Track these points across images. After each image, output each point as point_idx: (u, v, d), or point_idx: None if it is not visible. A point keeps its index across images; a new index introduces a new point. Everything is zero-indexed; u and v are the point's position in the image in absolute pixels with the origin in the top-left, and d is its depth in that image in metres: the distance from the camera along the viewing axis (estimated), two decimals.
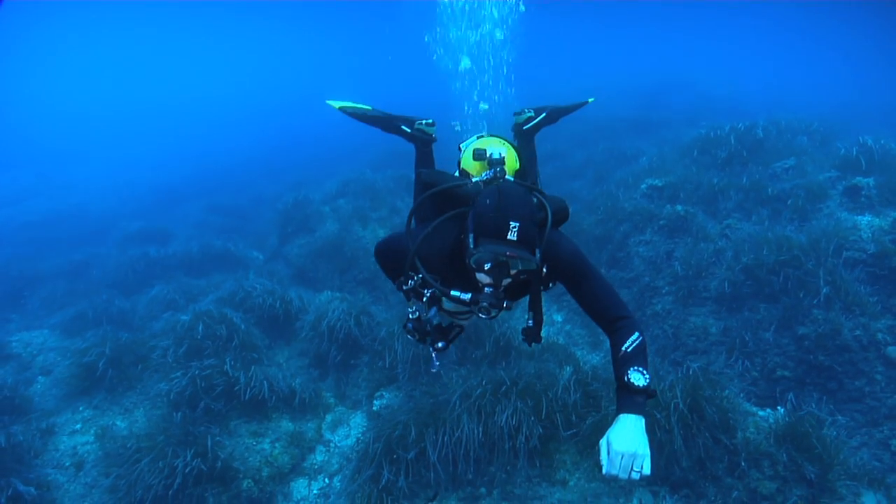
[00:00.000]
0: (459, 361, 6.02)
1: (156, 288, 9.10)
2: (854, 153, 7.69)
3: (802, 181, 7.51)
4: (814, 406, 4.55)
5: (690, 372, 4.81)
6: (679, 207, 7.56)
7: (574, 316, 7.56)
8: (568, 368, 5.05)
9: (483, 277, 2.10)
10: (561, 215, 2.42)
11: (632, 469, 1.80)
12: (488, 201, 2.06)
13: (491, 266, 2.03)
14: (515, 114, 3.38)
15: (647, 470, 1.81)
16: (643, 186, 8.66)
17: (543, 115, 3.41)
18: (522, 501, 4.45)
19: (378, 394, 6.21)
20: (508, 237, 1.96)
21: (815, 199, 7.18)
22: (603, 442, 1.90)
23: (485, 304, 2.08)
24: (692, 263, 6.73)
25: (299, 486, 5.47)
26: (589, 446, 4.58)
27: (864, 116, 11.93)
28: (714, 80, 20.56)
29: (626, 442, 1.83)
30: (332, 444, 5.94)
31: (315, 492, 5.40)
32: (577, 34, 37.36)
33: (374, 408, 6.06)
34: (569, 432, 4.55)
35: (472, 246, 2.03)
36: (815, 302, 5.55)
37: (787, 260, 5.94)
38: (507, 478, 4.57)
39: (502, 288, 2.11)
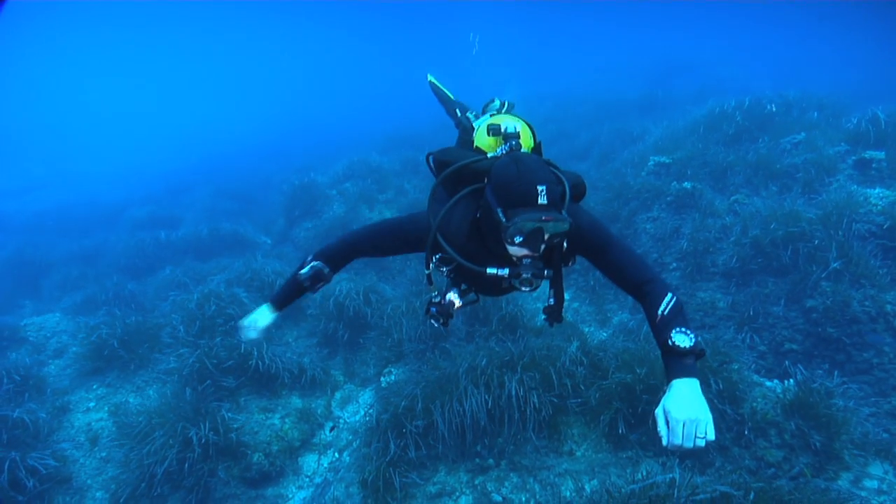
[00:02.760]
0: (467, 338, 6.05)
1: (165, 271, 9.20)
2: (865, 127, 7.58)
3: (812, 155, 7.42)
4: (820, 377, 4.54)
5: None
6: (686, 184, 7.50)
7: (582, 293, 7.56)
8: (575, 342, 5.06)
9: (517, 250, 1.99)
10: (579, 189, 2.35)
11: (696, 436, 1.64)
12: (507, 171, 1.96)
13: (525, 237, 1.93)
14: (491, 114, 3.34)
15: (711, 435, 1.65)
16: (650, 163, 8.59)
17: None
18: (530, 471, 4.49)
19: (386, 370, 6.26)
20: (540, 202, 1.87)
21: (825, 173, 7.09)
22: (659, 412, 1.73)
23: (527, 275, 1.99)
24: (700, 239, 6.70)
25: (309, 461, 5.54)
26: (595, 418, 4.61)
27: (879, 91, 11.71)
28: (722, 61, 20.25)
29: (686, 408, 1.67)
30: (341, 421, 6.01)
31: (325, 465, 5.47)
32: (583, 17, 36.97)
33: (383, 385, 6.11)
34: (576, 401, 4.57)
35: (504, 220, 1.91)
36: (823, 275, 5.52)
37: (796, 233, 5.89)
38: (514, 449, 4.61)
39: (540, 255, 2.02)
